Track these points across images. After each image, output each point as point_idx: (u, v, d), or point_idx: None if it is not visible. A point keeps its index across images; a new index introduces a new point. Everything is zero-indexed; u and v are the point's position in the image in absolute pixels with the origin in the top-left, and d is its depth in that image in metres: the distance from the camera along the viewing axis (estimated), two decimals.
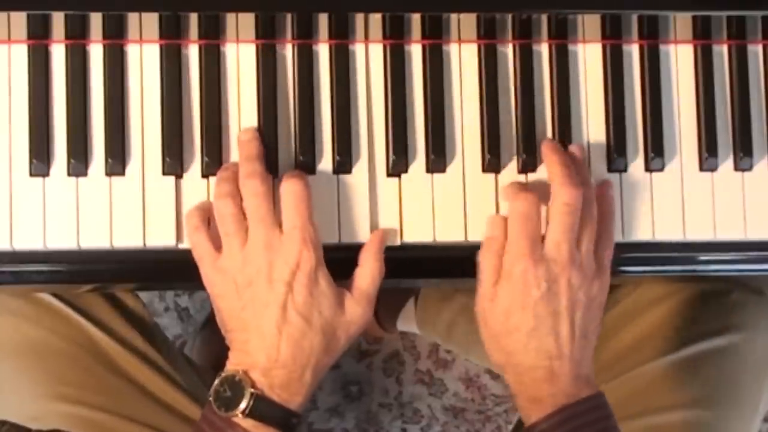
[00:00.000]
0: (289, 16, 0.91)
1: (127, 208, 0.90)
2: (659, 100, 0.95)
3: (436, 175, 0.93)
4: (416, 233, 0.92)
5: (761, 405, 1.03)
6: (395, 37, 0.93)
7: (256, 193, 0.86)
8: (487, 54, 0.93)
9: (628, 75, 0.95)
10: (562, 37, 0.94)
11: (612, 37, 0.94)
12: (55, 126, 0.90)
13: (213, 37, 0.92)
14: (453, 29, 0.93)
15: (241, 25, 0.91)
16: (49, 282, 0.93)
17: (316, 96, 0.92)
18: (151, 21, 0.90)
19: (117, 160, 0.90)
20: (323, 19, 0.91)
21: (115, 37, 0.91)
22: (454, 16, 0.92)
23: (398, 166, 0.92)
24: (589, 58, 0.95)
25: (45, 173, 0.90)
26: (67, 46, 0.91)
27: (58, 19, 0.89)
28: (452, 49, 0.94)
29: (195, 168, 0.91)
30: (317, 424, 1.62)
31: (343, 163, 0.91)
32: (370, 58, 0.93)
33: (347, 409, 1.63)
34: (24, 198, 0.90)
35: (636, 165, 0.94)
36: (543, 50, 0.94)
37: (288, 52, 0.92)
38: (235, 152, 0.91)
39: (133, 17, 0.90)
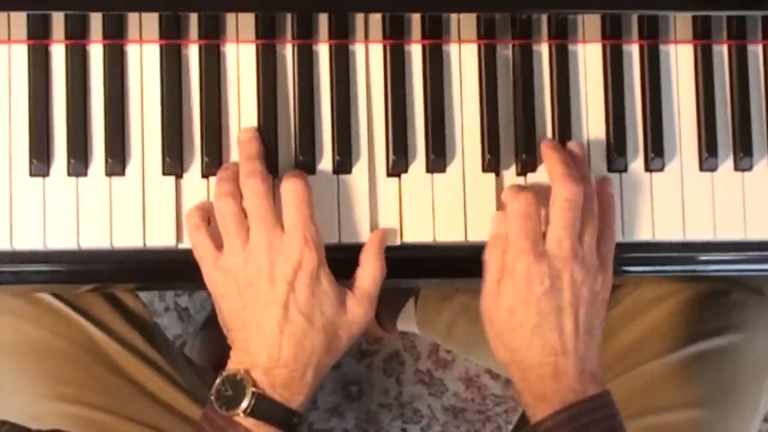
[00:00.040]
0: (289, 16, 0.91)
1: (127, 208, 0.90)
2: (659, 100, 0.95)
3: (436, 175, 0.93)
4: (416, 233, 0.92)
5: (761, 405, 1.03)
6: (395, 37, 0.93)
7: (257, 192, 0.86)
8: (487, 54, 0.93)
9: (628, 75, 0.95)
10: (562, 37, 0.94)
11: (612, 37, 0.94)
12: (55, 126, 0.90)
13: (213, 37, 0.92)
14: (453, 29, 0.93)
15: (241, 25, 0.91)
16: (49, 282, 0.93)
17: (316, 96, 0.92)
18: (151, 21, 0.90)
19: (117, 160, 0.90)
20: (323, 19, 0.91)
21: (115, 37, 0.91)
22: (454, 16, 0.92)
23: (398, 166, 0.92)
24: (589, 58, 0.95)
25: (45, 173, 0.90)
26: (67, 46, 0.91)
27: (58, 19, 0.89)
28: (452, 49, 0.94)
29: (195, 168, 0.91)
30: (317, 424, 1.62)
31: (343, 163, 0.91)
32: (370, 58, 0.93)
33: (347, 409, 1.63)
34: (24, 198, 0.90)
35: (636, 165, 0.94)
36: (543, 50, 0.94)
37: (288, 52, 0.92)
38: (235, 152, 0.91)
39: (133, 17, 0.90)
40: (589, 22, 0.94)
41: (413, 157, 0.93)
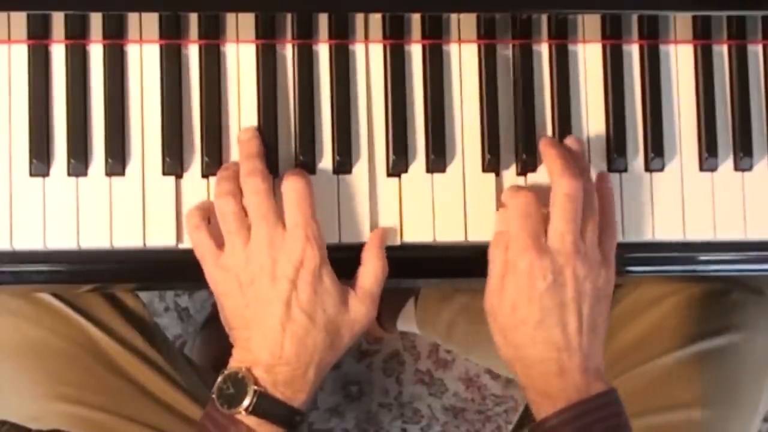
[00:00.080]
0: (289, 16, 0.91)
1: (127, 208, 0.90)
2: (659, 100, 0.95)
3: (436, 175, 0.93)
4: (416, 233, 0.92)
5: (761, 405, 1.03)
6: (395, 37, 0.93)
7: (258, 191, 0.86)
8: (487, 54, 0.93)
9: (628, 75, 0.95)
10: (562, 37, 0.94)
11: (612, 37, 0.94)
12: (55, 126, 0.90)
13: (213, 37, 0.92)
14: (453, 29, 0.93)
15: (241, 25, 0.91)
16: (49, 282, 0.93)
17: (316, 96, 0.92)
18: (151, 21, 0.90)
19: (117, 160, 0.90)
20: (323, 19, 0.91)
21: (115, 37, 0.91)
22: (454, 16, 0.92)
23: (398, 166, 0.92)
24: (589, 58, 0.95)
25: (45, 173, 0.90)
26: (67, 46, 0.91)
27: (58, 19, 0.89)
28: (452, 49, 0.94)
29: (195, 168, 0.91)
30: (317, 424, 1.62)
31: (343, 163, 0.91)
32: (370, 58, 0.93)
33: (347, 409, 1.63)
34: (24, 198, 0.90)
35: (636, 165, 0.94)
36: (543, 50, 0.94)
37: (288, 52, 0.92)
38: (235, 152, 0.91)
39: (133, 17, 0.90)
40: (589, 22, 0.94)
41: (413, 157, 0.93)
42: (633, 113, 0.95)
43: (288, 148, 0.91)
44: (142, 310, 1.06)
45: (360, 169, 0.92)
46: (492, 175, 0.93)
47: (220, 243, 0.86)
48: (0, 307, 1.00)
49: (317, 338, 0.85)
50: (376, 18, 0.92)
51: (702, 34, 0.95)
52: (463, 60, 0.93)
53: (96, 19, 0.90)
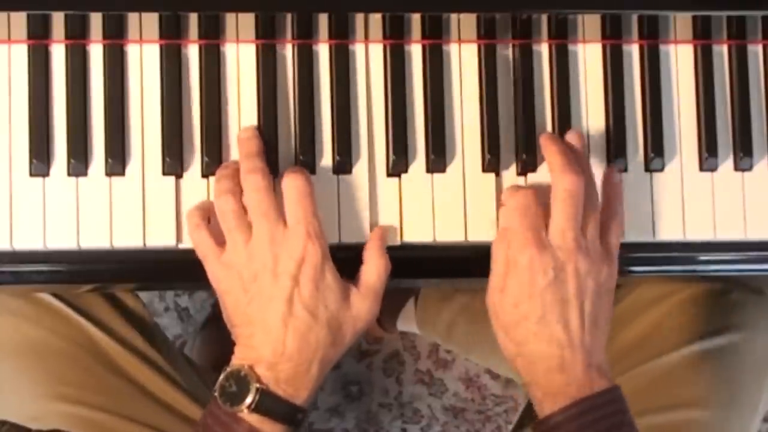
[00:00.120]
0: (289, 16, 0.91)
1: (127, 208, 0.90)
2: (659, 100, 0.95)
3: (436, 175, 0.93)
4: (416, 233, 0.92)
5: (761, 405, 1.03)
6: (395, 37, 0.93)
7: (258, 188, 0.86)
8: (487, 54, 0.93)
9: (628, 75, 0.95)
10: (562, 37, 0.94)
11: (612, 37, 0.94)
12: (55, 126, 0.90)
13: (213, 37, 0.92)
14: (453, 29, 0.93)
15: (241, 25, 0.91)
16: (49, 282, 0.93)
17: (316, 96, 0.92)
18: (151, 21, 0.90)
19: (117, 160, 0.90)
20: (323, 19, 0.91)
21: (115, 37, 0.91)
22: (454, 16, 0.92)
23: (398, 166, 0.92)
24: (589, 58, 0.95)
25: (45, 173, 0.90)
26: (67, 46, 0.91)
27: (58, 19, 0.89)
28: (452, 49, 0.94)
29: (195, 168, 0.91)
30: (317, 424, 1.62)
31: (343, 163, 0.91)
32: (370, 58, 0.93)
33: (347, 409, 1.63)
34: (24, 198, 0.90)
35: (636, 165, 0.94)
36: (543, 50, 0.94)
37: (288, 52, 0.92)
38: (234, 152, 0.91)
39: (133, 17, 0.90)
40: (589, 22, 0.94)
41: (413, 157, 0.93)
42: (633, 113, 0.95)
43: (288, 148, 0.91)
44: (142, 310, 1.06)
45: (360, 169, 0.92)
46: (492, 175, 0.93)
47: (220, 242, 0.86)
48: (0, 307, 1.00)
49: (320, 334, 0.85)
50: (376, 18, 0.92)
51: (702, 34, 0.95)
52: (463, 60, 0.93)
53: (96, 19, 0.90)
